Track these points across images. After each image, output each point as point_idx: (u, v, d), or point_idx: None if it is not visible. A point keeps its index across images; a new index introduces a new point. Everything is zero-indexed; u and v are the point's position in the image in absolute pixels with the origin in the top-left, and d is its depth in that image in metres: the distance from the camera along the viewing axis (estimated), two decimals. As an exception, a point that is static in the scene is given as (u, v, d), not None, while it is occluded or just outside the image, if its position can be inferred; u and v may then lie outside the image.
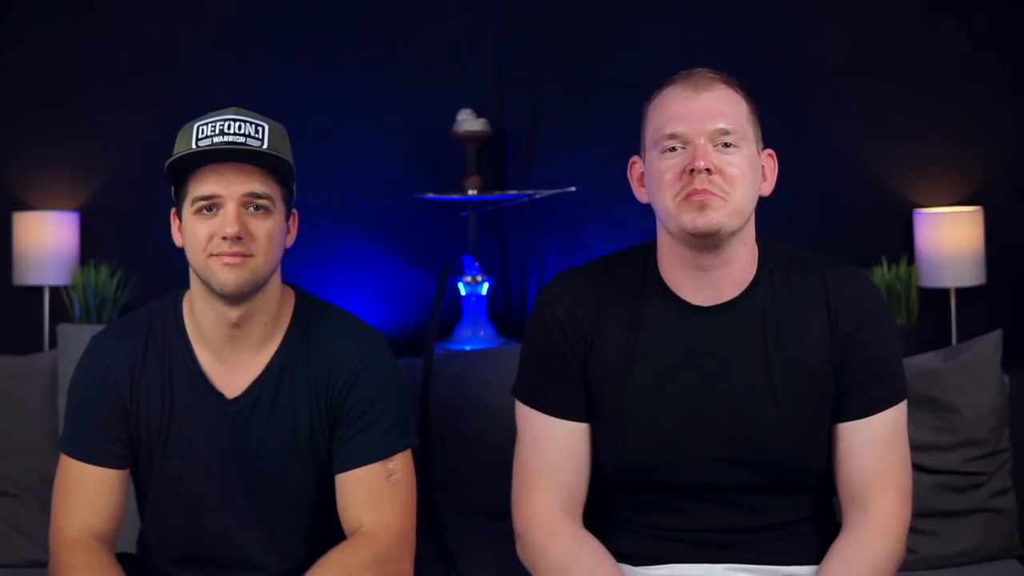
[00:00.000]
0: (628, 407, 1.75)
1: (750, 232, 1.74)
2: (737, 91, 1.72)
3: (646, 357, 1.75)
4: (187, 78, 3.65)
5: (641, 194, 1.78)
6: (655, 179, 1.70)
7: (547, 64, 3.66)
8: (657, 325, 1.75)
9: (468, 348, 3.32)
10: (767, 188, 1.76)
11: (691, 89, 1.70)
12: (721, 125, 1.67)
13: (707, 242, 1.69)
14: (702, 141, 1.66)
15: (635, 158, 1.79)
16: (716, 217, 1.66)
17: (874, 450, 1.74)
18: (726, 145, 1.67)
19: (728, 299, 1.74)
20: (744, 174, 1.68)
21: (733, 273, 1.74)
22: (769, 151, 1.77)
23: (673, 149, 1.68)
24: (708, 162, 1.65)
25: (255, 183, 1.74)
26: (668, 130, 1.68)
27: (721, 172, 1.66)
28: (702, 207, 1.65)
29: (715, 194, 1.65)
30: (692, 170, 1.65)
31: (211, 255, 1.74)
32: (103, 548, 1.79)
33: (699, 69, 1.74)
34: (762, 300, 1.75)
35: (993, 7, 3.58)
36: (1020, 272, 3.55)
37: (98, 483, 1.82)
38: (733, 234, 1.69)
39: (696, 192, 1.65)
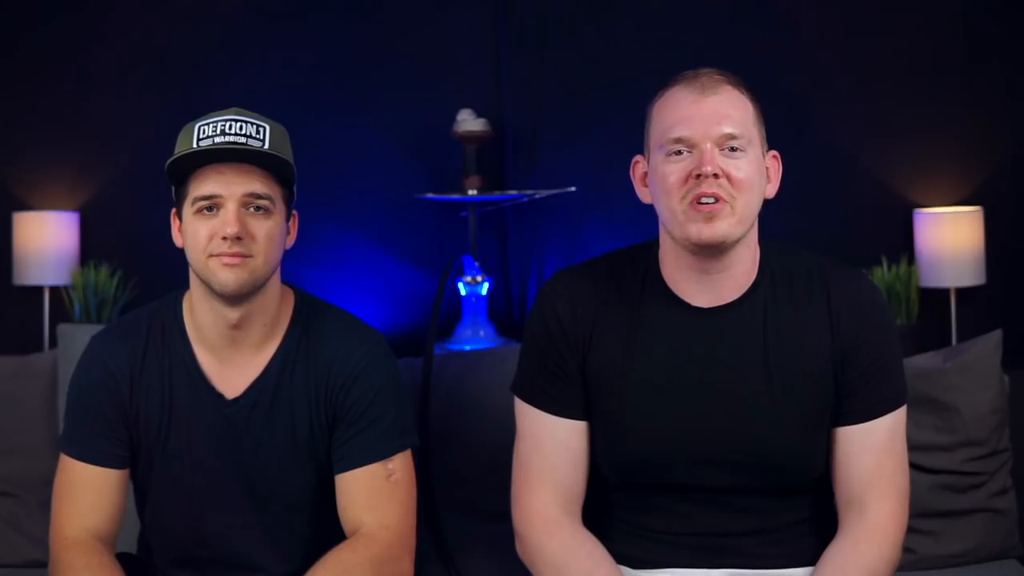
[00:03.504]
0: (626, 406, 1.74)
1: (753, 235, 1.74)
2: (743, 92, 1.71)
3: (645, 357, 1.74)
4: (187, 78, 3.65)
5: (644, 194, 1.77)
6: (660, 182, 1.69)
7: (547, 64, 3.66)
8: (657, 325, 1.75)
9: (468, 348, 3.32)
10: (771, 190, 1.75)
11: (697, 91, 1.68)
12: (728, 130, 1.66)
13: (713, 251, 1.68)
14: (708, 146, 1.65)
15: (638, 157, 1.78)
16: (723, 227, 1.65)
17: (873, 454, 1.73)
18: (732, 149, 1.66)
19: (729, 301, 1.74)
20: (751, 179, 1.67)
21: (735, 275, 1.73)
22: (773, 152, 1.76)
23: (679, 153, 1.67)
24: (715, 167, 1.64)
25: (256, 183, 1.74)
26: (674, 134, 1.67)
27: (728, 177, 1.65)
28: (710, 218, 1.64)
29: (723, 199, 1.64)
30: (699, 175, 1.65)
31: (211, 255, 1.74)
32: (103, 548, 1.79)
33: (704, 69, 1.71)
34: (762, 302, 1.74)
35: (993, 8, 3.58)
36: (1020, 272, 3.56)
37: (98, 483, 1.82)
38: (738, 240, 1.69)
39: (703, 195, 1.64)
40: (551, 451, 1.77)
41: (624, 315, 1.76)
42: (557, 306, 1.78)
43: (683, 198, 1.66)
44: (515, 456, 1.81)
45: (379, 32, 3.67)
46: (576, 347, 1.77)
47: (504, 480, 1.82)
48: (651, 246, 1.80)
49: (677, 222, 1.68)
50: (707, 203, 1.65)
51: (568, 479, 1.77)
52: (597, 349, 1.76)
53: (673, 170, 1.67)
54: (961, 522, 2.21)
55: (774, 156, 1.76)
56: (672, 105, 1.70)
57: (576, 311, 1.77)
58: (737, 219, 1.66)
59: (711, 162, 1.64)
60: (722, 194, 1.65)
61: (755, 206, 1.70)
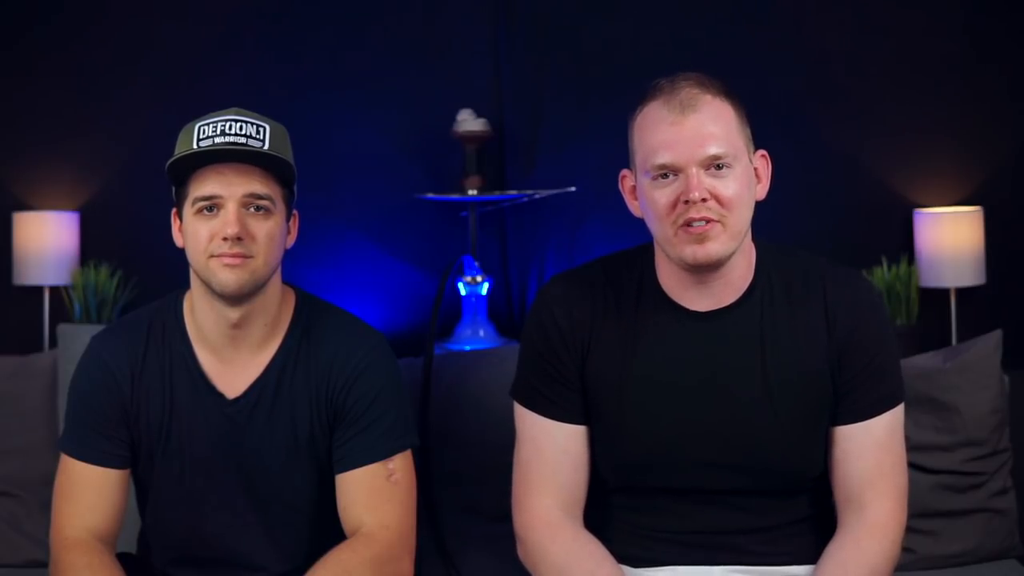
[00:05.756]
0: (625, 410, 1.74)
1: (747, 239, 1.73)
2: (724, 100, 1.68)
3: (643, 360, 1.74)
4: (187, 78, 3.65)
5: (634, 207, 1.75)
6: (649, 206, 1.68)
7: (547, 64, 3.66)
8: (654, 329, 1.75)
9: (468, 348, 3.32)
10: (761, 191, 1.73)
11: (676, 111, 1.65)
12: (712, 150, 1.63)
13: (707, 268, 1.68)
14: (694, 170, 1.63)
15: (625, 172, 1.76)
16: (715, 247, 1.64)
17: (871, 453, 1.73)
18: (719, 167, 1.64)
19: (725, 304, 1.74)
20: (740, 195, 1.65)
21: (731, 280, 1.73)
22: (762, 152, 1.74)
23: (665, 176, 1.66)
24: (702, 191, 1.62)
25: (256, 184, 1.74)
26: (658, 160, 1.65)
27: (717, 198, 1.63)
28: (701, 239, 1.64)
29: (713, 220, 1.64)
30: (687, 200, 1.63)
31: (211, 256, 1.74)
32: (104, 548, 1.79)
33: (681, 80, 1.68)
34: (759, 304, 1.74)
35: (994, 8, 3.58)
36: (1020, 272, 3.56)
37: (98, 483, 1.82)
38: (731, 254, 1.68)
39: (693, 220, 1.63)
40: (551, 456, 1.77)
41: (622, 319, 1.76)
42: (555, 311, 1.78)
43: (673, 223, 1.65)
44: (515, 461, 1.81)
45: (379, 32, 3.66)
46: (575, 352, 1.76)
47: (504, 480, 1.82)
48: (647, 250, 1.80)
49: (670, 244, 1.67)
50: (698, 226, 1.64)
51: (569, 483, 1.77)
52: (596, 353, 1.76)
53: (661, 195, 1.66)
54: (961, 522, 2.21)
55: (762, 156, 1.74)
56: (652, 126, 1.67)
57: (574, 315, 1.77)
58: (729, 236, 1.65)
59: (698, 187, 1.63)
60: (712, 215, 1.63)
61: (746, 219, 1.68)
